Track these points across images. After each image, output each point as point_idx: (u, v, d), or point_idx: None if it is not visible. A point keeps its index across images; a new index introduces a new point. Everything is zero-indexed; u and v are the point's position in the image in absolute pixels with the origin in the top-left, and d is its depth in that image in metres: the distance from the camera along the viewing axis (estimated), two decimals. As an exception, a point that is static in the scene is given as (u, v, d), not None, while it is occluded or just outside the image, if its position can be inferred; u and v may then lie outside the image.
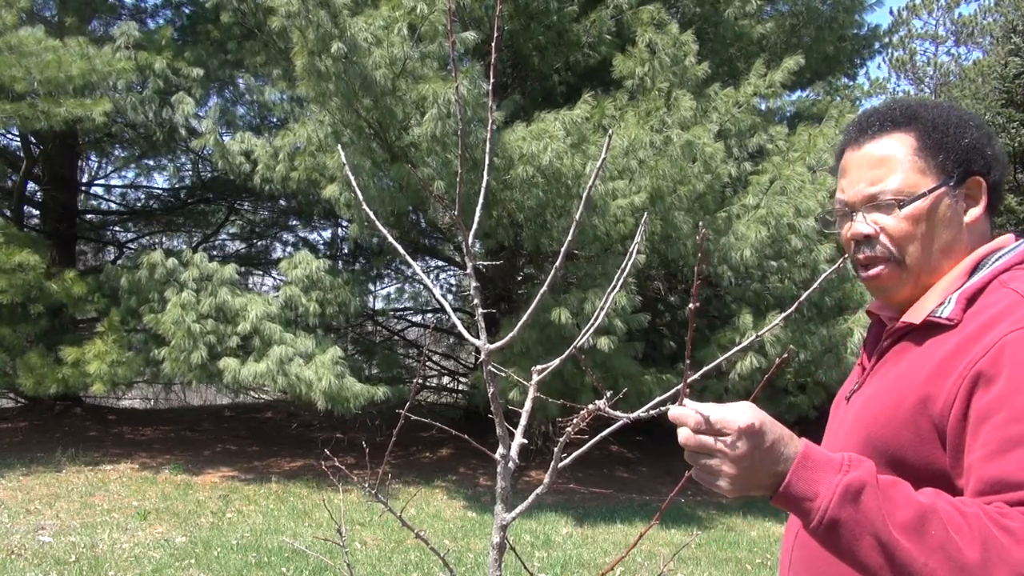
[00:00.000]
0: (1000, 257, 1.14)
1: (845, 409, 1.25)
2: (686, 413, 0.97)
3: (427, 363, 11.32)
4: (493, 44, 1.13)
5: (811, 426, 9.40)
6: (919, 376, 1.08)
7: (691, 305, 0.95)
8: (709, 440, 0.95)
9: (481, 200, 1.18)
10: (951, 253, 1.16)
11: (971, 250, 1.17)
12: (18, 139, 10.79)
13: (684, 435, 0.97)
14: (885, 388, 1.13)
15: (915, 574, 0.91)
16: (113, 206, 13.00)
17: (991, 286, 1.11)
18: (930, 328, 1.12)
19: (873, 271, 1.18)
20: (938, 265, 1.16)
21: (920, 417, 1.05)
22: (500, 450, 1.14)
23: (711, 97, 7.71)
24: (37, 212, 11.44)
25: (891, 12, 34.85)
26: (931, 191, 1.15)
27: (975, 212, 1.16)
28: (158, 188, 12.57)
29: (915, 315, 1.15)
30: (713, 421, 0.95)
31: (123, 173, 12.57)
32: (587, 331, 1.16)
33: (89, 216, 12.43)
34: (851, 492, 0.93)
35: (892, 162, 1.17)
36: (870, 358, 1.25)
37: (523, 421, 1.20)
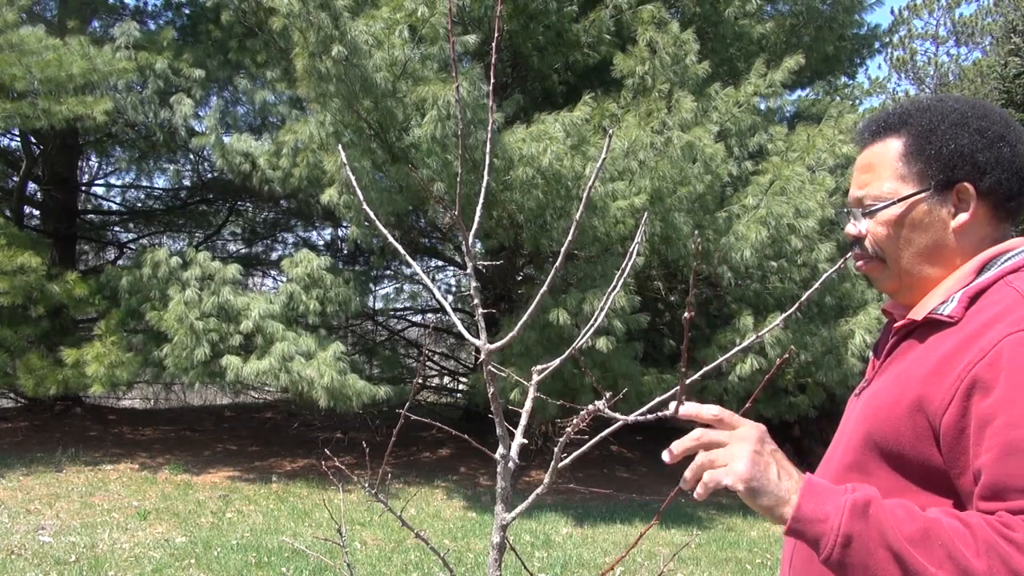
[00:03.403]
0: (1010, 258, 1.14)
1: (853, 405, 1.27)
2: (699, 408, 1.05)
3: (427, 363, 11.32)
4: (493, 45, 1.13)
5: (811, 425, 9.42)
6: (918, 374, 1.09)
7: (686, 315, 0.96)
8: (723, 434, 1.04)
9: (481, 201, 1.18)
10: (933, 257, 1.19)
11: (966, 254, 1.17)
12: (18, 139, 10.79)
13: (699, 432, 1.04)
14: (887, 385, 1.15)
15: None
16: (114, 206, 13.00)
17: (996, 286, 1.11)
18: (932, 325, 1.14)
19: (860, 264, 1.26)
20: (919, 268, 1.20)
21: (917, 415, 1.07)
22: (500, 450, 1.14)
23: (711, 97, 7.71)
24: (37, 212, 11.44)
25: (891, 12, 34.86)
26: (903, 199, 1.18)
27: (962, 218, 1.17)
28: (159, 188, 12.57)
29: (918, 312, 1.17)
30: (724, 417, 1.04)
31: (123, 174, 12.57)
32: (587, 331, 1.16)
33: (90, 216, 12.42)
34: (859, 507, 0.97)
35: (877, 168, 1.22)
36: (880, 356, 1.27)
37: (523, 421, 1.20)
